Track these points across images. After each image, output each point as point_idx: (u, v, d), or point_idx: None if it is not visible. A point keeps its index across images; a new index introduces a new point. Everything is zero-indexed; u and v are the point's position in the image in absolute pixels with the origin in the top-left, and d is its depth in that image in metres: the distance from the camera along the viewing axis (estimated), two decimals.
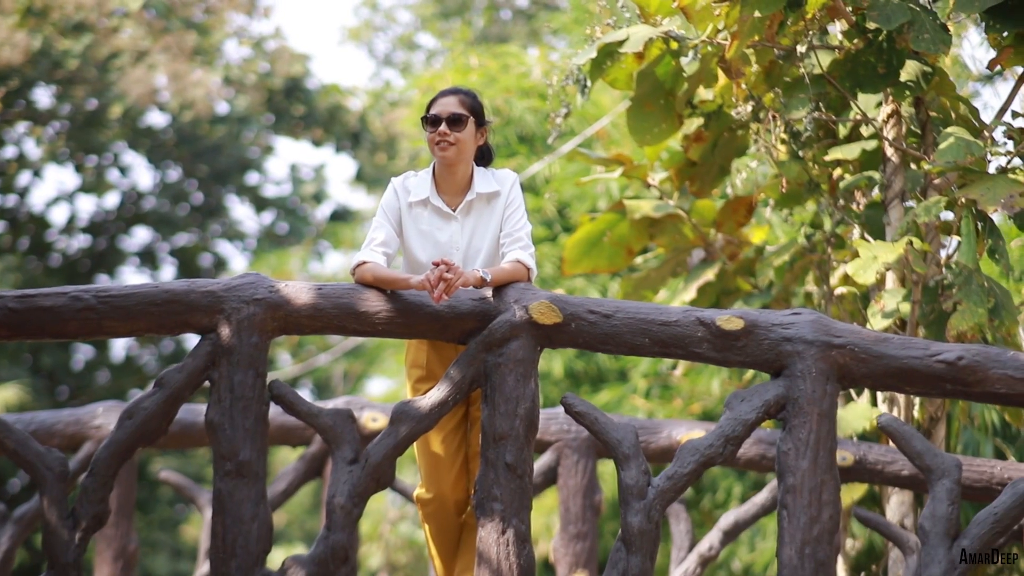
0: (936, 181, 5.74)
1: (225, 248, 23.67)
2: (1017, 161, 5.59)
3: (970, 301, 5.32)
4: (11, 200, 21.21)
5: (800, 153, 6.20)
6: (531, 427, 4.37)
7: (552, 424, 6.48)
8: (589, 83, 6.17)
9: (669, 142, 6.86)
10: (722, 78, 6.18)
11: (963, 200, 5.38)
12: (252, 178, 23.42)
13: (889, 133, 5.94)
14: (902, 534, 5.65)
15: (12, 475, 18.25)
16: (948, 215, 5.95)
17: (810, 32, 5.79)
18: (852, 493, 6.28)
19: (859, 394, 6.33)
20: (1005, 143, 5.67)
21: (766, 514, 6.40)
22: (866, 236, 6.17)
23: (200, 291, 4.34)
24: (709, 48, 5.99)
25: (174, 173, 22.58)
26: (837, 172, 6.32)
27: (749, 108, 6.15)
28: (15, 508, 6.85)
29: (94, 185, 21.84)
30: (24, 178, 21.09)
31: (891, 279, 5.95)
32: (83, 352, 21.14)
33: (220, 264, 23.11)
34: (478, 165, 4.67)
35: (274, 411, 4.77)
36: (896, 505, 5.98)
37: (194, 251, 23.01)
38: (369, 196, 25.01)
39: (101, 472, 4.32)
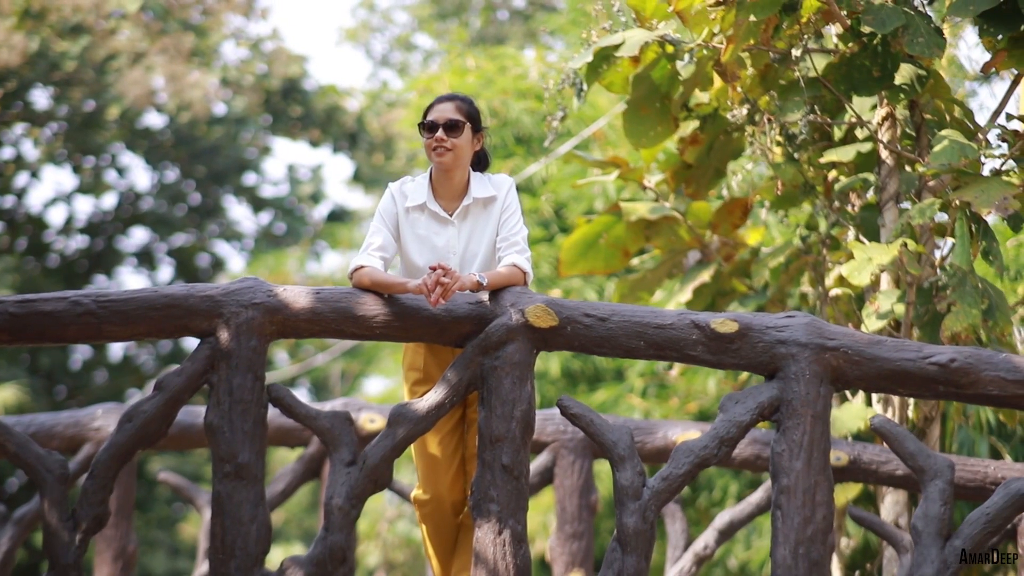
0: (930, 183, 5.75)
1: (223, 248, 23.69)
2: (1011, 163, 5.60)
3: (964, 302, 5.33)
4: (9, 201, 21.21)
5: (795, 155, 6.22)
6: (527, 429, 4.39)
7: (548, 425, 6.50)
8: (585, 87, 6.19)
9: (665, 144, 6.88)
10: (718, 81, 6.19)
11: (957, 202, 5.39)
12: (249, 179, 23.43)
13: (884, 136, 5.96)
14: (896, 533, 5.67)
15: (10, 475, 18.26)
16: (942, 217, 5.97)
17: (805, 36, 5.81)
18: (847, 493, 6.30)
19: (854, 394, 6.35)
20: (999, 146, 5.68)
21: (761, 513, 6.41)
22: (861, 238, 6.19)
23: (199, 295, 4.36)
24: (705, 52, 6.00)
25: (172, 174, 22.59)
26: (832, 174, 6.34)
27: (745, 111, 6.17)
28: (14, 508, 6.87)
29: (92, 186, 21.85)
30: (22, 179, 21.10)
31: (886, 280, 5.97)
32: (81, 352, 21.13)
33: (218, 264, 23.12)
34: (475, 170, 4.68)
35: (272, 412, 4.78)
36: (891, 504, 6.01)
37: (192, 251, 23.01)
38: (366, 196, 25.02)
39: (101, 475, 4.34)
